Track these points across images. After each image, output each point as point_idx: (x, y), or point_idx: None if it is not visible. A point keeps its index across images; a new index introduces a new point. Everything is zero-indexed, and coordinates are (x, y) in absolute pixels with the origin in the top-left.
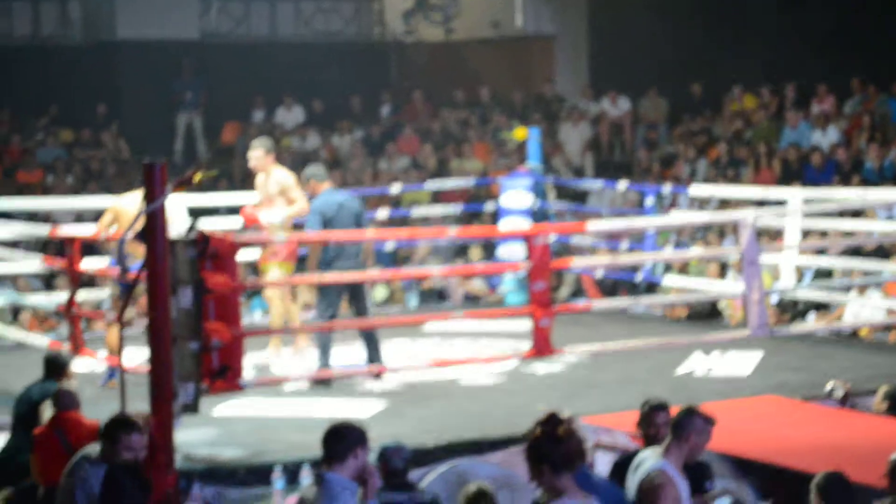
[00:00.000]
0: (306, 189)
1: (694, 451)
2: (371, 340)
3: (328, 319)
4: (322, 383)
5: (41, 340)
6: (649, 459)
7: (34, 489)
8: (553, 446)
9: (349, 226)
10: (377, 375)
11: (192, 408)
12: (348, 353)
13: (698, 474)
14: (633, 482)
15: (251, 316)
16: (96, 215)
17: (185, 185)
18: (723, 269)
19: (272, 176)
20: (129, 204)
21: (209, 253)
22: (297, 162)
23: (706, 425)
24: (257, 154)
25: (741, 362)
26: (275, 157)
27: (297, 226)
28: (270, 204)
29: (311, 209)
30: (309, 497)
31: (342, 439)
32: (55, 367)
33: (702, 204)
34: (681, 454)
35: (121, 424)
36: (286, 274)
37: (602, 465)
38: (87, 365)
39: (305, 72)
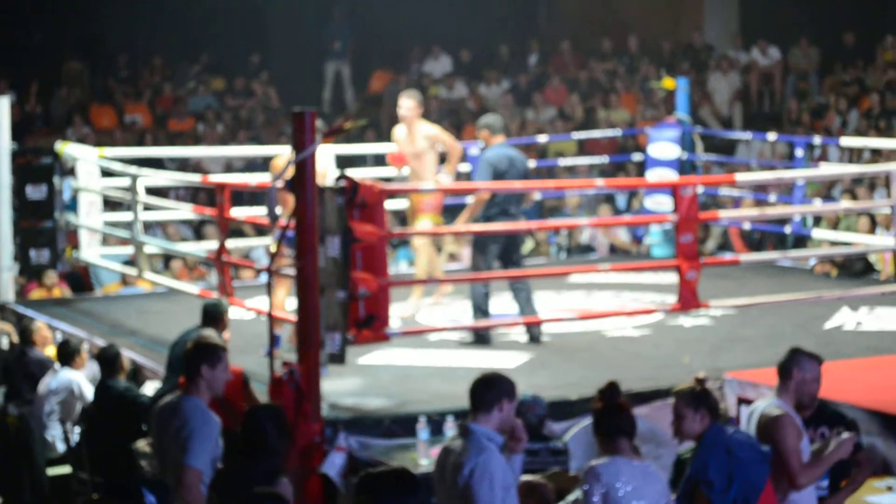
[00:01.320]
0: (479, 137)
1: (802, 388)
2: (524, 294)
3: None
4: (480, 338)
5: (191, 288)
6: (762, 403)
7: None
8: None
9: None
10: (533, 327)
11: (338, 357)
12: (496, 305)
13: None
14: (751, 429)
15: (397, 266)
16: (246, 164)
17: (335, 134)
18: (873, 223)
19: (418, 130)
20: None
21: (357, 201)
22: (444, 112)
23: (810, 362)
24: (409, 104)
25: (891, 317)
26: (422, 111)
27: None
28: (418, 160)
29: (482, 160)
30: (454, 448)
31: (489, 390)
32: (213, 315)
33: (853, 155)
34: (789, 393)
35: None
36: (436, 224)
37: (744, 419)
38: (235, 313)
39: (454, 20)
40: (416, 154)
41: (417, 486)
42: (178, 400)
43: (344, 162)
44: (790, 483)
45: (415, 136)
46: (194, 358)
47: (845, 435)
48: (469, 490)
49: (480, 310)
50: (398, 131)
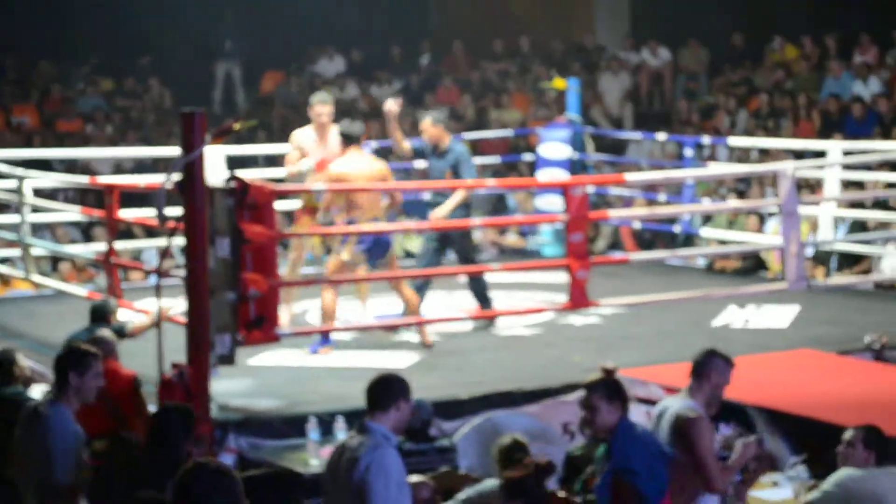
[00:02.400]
0: (431, 134)
1: (716, 391)
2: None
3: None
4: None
5: (79, 290)
6: (674, 403)
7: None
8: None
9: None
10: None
11: (228, 358)
12: (383, 305)
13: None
14: (661, 428)
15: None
16: (136, 165)
17: (224, 134)
18: (762, 222)
19: (333, 134)
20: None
21: (247, 202)
22: (335, 112)
23: (726, 366)
24: (330, 109)
25: (778, 315)
26: None
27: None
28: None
29: (465, 155)
30: (350, 445)
31: (387, 390)
32: (101, 315)
33: (742, 155)
34: (703, 394)
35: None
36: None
37: (636, 417)
38: (124, 315)
39: (345, 21)
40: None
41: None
42: (44, 406)
43: (235, 163)
44: (707, 486)
45: (328, 140)
46: (62, 364)
47: (751, 438)
48: (364, 485)
49: (486, 299)
50: (304, 135)
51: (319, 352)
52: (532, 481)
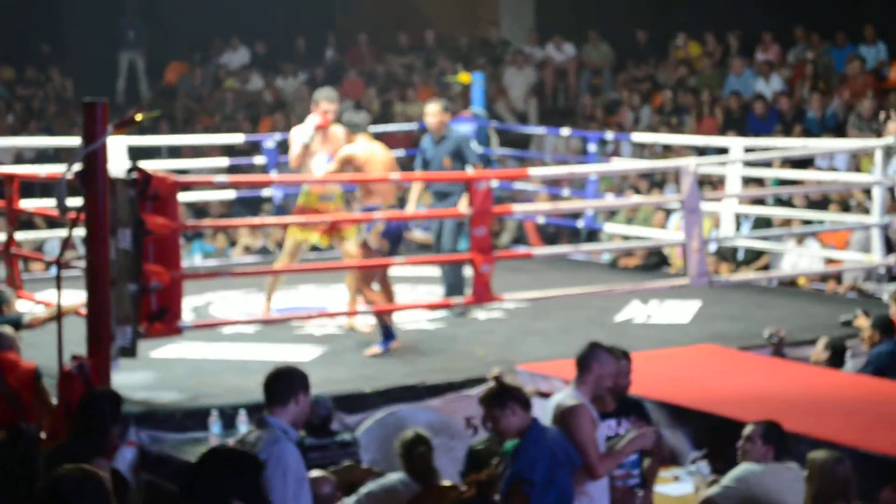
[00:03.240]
0: (440, 120)
1: (600, 381)
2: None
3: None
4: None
5: None
6: (559, 395)
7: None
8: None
9: None
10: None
11: (129, 351)
12: (290, 297)
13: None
14: (546, 420)
15: (192, 259)
16: (37, 154)
17: (127, 125)
18: (667, 218)
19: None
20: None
21: (150, 194)
22: (240, 104)
23: (609, 358)
24: (335, 107)
25: (680, 311)
26: None
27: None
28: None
29: (466, 138)
30: (249, 440)
31: (285, 383)
32: None
33: (645, 151)
34: (587, 385)
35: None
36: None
37: (539, 411)
38: (24, 306)
39: (250, 12)
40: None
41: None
42: None
43: (137, 153)
44: (588, 473)
45: (331, 138)
46: None
47: (645, 429)
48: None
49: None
50: (306, 133)
51: (392, 347)
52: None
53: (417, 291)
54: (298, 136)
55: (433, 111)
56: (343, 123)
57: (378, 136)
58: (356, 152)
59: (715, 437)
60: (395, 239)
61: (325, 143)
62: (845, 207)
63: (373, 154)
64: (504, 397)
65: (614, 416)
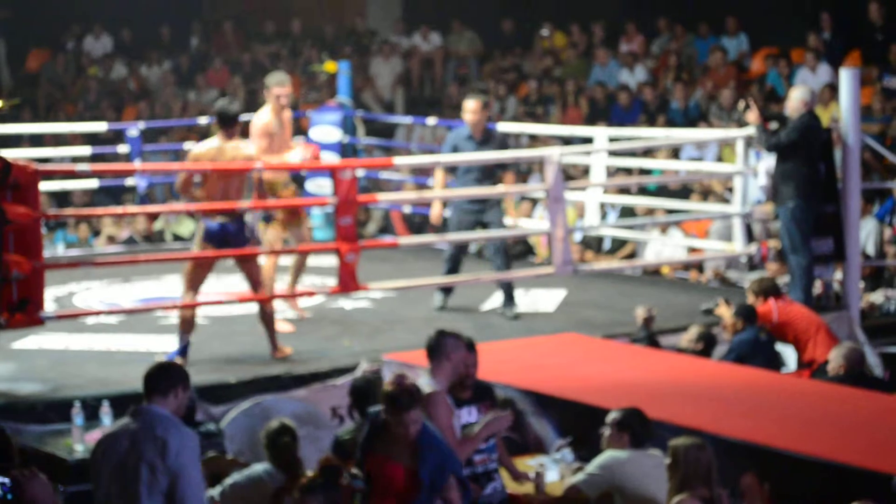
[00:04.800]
0: (481, 118)
1: (456, 368)
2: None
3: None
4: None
5: None
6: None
7: None
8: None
9: None
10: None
11: None
12: (154, 287)
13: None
14: None
15: (54, 248)
16: None
17: None
18: (532, 207)
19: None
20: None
21: (10, 182)
22: (103, 92)
23: (457, 343)
24: (289, 91)
25: (545, 299)
26: None
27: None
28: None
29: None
30: (131, 429)
31: (166, 377)
32: None
33: (511, 141)
34: (443, 373)
35: None
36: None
37: None
38: None
39: None
40: (286, 142)
41: None
42: None
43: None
44: None
45: (287, 124)
46: None
47: (501, 413)
48: (181, 469)
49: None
50: (265, 122)
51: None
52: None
53: (283, 281)
54: (261, 127)
55: (474, 108)
56: (217, 111)
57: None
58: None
59: (579, 424)
60: (220, 240)
61: (283, 130)
62: (706, 197)
63: (222, 152)
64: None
65: (472, 403)
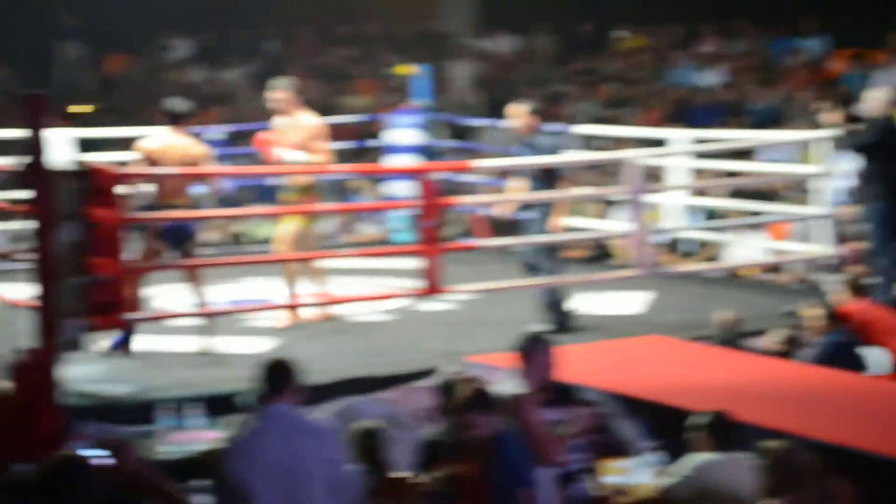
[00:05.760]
0: (526, 123)
1: (543, 372)
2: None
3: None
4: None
5: None
6: (504, 387)
7: None
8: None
9: None
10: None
11: (76, 344)
12: (237, 290)
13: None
14: None
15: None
16: None
17: (69, 117)
18: (608, 209)
19: (298, 120)
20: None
21: (92, 186)
22: (182, 95)
23: (545, 345)
24: (280, 96)
25: (626, 302)
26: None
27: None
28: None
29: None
30: (249, 426)
31: (285, 373)
32: None
33: (588, 143)
34: (532, 375)
35: None
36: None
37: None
38: None
39: (193, 3)
40: (296, 146)
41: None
42: None
43: (81, 146)
44: (542, 459)
45: (294, 125)
46: None
47: (586, 410)
48: (339, 459)
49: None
50: (280, 119)
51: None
52: None
53: (367, 284)
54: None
55: (518, 114)
56: (165, 109)
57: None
58: (150, 146)
59: (666, 427)
60: (176, 238)
61: (289, 132)
62: (785, 199)
63: (169, 147)
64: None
65: (555, 405)
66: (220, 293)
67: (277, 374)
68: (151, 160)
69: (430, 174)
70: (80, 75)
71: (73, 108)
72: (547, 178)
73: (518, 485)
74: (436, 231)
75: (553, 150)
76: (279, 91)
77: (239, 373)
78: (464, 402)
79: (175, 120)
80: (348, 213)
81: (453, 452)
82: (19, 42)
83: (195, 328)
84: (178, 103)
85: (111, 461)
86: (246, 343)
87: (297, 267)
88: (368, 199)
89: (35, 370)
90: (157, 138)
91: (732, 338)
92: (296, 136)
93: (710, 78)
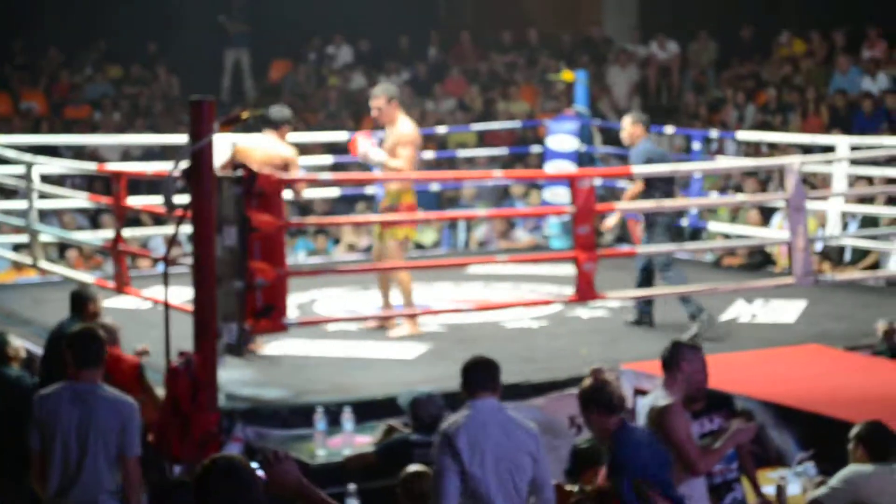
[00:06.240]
0: (629, 133)
1: (691, 380)
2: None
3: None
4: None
5: (87, 277)
6: (651, 397)
7: None
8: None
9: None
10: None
11: (235, 348)
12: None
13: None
14: (642, 421)
15: (295, 256)
16: (143, 152)
17: (233, 123)
18: (767, 216)
19: (395, 126)
20: (253, 143)
21: (255, 191)
22: (343, 102)
23: (695, 355)
24: (376, 103)
25: (785, 310)
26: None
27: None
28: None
29: (635, 157)
30: (457, 422)
31: (493, 370)
32: (77, 302)
33: (750, 149)
34: (678, 384)
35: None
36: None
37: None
38: (131, 303)
39: (354, 10)
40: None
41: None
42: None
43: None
44: (689, 470)
45: (392, 133)
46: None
47: (747, 424)
48: (543, 454)
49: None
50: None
51: None
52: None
53: (521, 290)
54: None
55: (624, 125)
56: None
57: (480, 135)
58: (240, 146)
59: (821, 437)
60: None
61: (386, 138)
62: None
63: (253, 149)
64: (589, 401)
65: (704, 414)
66: (379, 299)
67: (486, 371)
68: (235, 161)
69: (585, 180)
70: (246, 82)
71: (245, 113)
72: (660, 185)
73: (648, 484)
74: (591, 237)
75: (647, 160)
76: (376, 98)
77: (389, 377)
78: (582, 396)
79: (270, 126)
80: (504, 218)
81: (601, 460)
82: (187, 49)
83: (350, 333)
84: (276, 110)
85: (267, 472)
86: (396, 348)
87: (387, 277)
88: (526, 206)
89: (193, 374)
90: (248, 141)
91: (891, 347)
92: (388, 141)
93: (876, 83)
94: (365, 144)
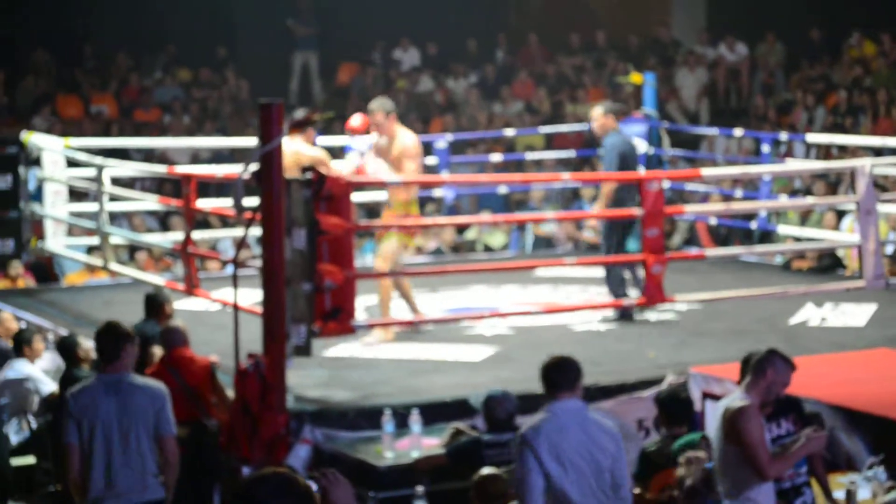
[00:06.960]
0: (598, 124)
1: (772, 388)
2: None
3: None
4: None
5: (157, 279)
6: (728, 398)
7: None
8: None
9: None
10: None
11: (304, 350)
12: (461, 297)
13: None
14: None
15: (363, 258)
16: (212, 155)
17: (302, 126)
18: (839, 219)
19: (395, 139)
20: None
21: (324, 194)
22: (411, 105)
23: (785, 366)
24: (374, 117)
25: (855, 314)
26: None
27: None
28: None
29: (607, 151)
30: (536, 425)
31: (569, 370)
32: (151, 305)
33: (819, 152)
34: (759, 390)
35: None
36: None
37: (710, 414)
38: (200, 305)
39: (421, 13)
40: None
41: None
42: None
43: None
44: (759, 474)
45: (394, 143)
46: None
47: (820, 432)
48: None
49: (619, 292)
50: (381, 138)
51: None
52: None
53: (589, 292)
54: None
55: (593, 115)
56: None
57: (548, 137)
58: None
59: (892, 442)
60: None
61: (387, 151)
62: None
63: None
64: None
65: (773, 419)
66: (447, 301)
67: (567, 371)
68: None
69: (654, 183)
70: (314, 84)
71: (315, 116)
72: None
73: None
74: (660, 240)
75: (619, 154)
76: (373, 113)
77: (456, 380)
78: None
79: (295, 126)
80: (572, 221)
81: (668, 463)
82: (256, 52)
83: (418, 335)
84: (299, 112)
85: (323, 492)
86: (464, 351)
87: (390, 284)
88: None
89: (262, 375)
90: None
91: None
92: (392, 154)
93: None
94: (373, 166)
